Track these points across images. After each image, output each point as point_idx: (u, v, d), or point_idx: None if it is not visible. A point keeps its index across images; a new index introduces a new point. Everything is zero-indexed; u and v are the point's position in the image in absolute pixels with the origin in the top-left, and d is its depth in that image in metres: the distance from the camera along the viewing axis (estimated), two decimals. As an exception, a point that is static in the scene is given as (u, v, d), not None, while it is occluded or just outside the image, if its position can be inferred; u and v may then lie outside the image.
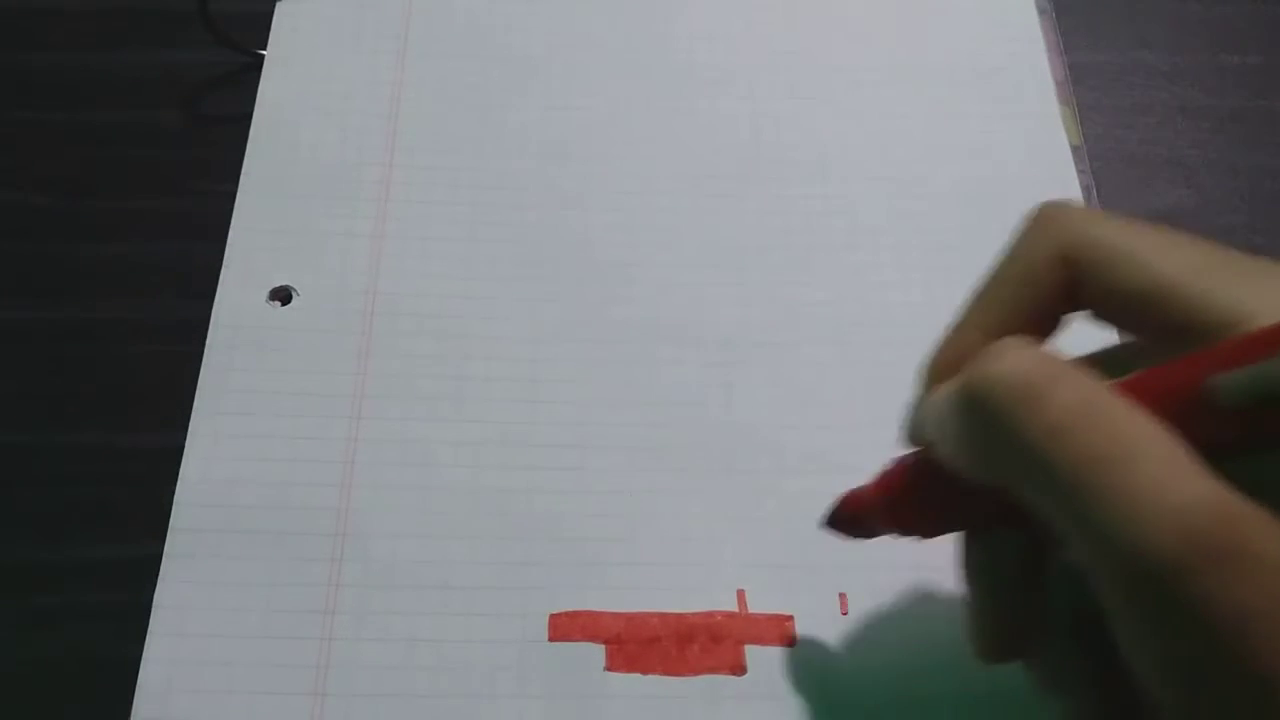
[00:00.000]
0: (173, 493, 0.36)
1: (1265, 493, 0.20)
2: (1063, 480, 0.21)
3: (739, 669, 0.33)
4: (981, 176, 0.44)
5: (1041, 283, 0.25)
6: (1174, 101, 0.47)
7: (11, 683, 0.34)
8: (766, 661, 0.34)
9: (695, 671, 0.33)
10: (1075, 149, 0.44)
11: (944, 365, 0.27)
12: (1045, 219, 0.26)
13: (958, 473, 0.24)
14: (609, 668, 0.33)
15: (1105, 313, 0.25)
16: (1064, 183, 0.43)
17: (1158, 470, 0.20)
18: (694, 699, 0.33)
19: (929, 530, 0.28)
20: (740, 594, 0.35)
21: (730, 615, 0.34)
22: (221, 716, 0.32)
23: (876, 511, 0.29)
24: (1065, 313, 0.26)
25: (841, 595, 0.35)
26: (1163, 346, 0.23)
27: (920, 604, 0.33)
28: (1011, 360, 0.22)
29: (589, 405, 0.38)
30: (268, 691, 0.32)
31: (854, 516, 0.31)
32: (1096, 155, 0.45)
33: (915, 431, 0.28)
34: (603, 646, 0.34)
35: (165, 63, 0.46)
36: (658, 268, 0.41)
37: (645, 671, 0.33)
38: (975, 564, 0.27)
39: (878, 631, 0.34)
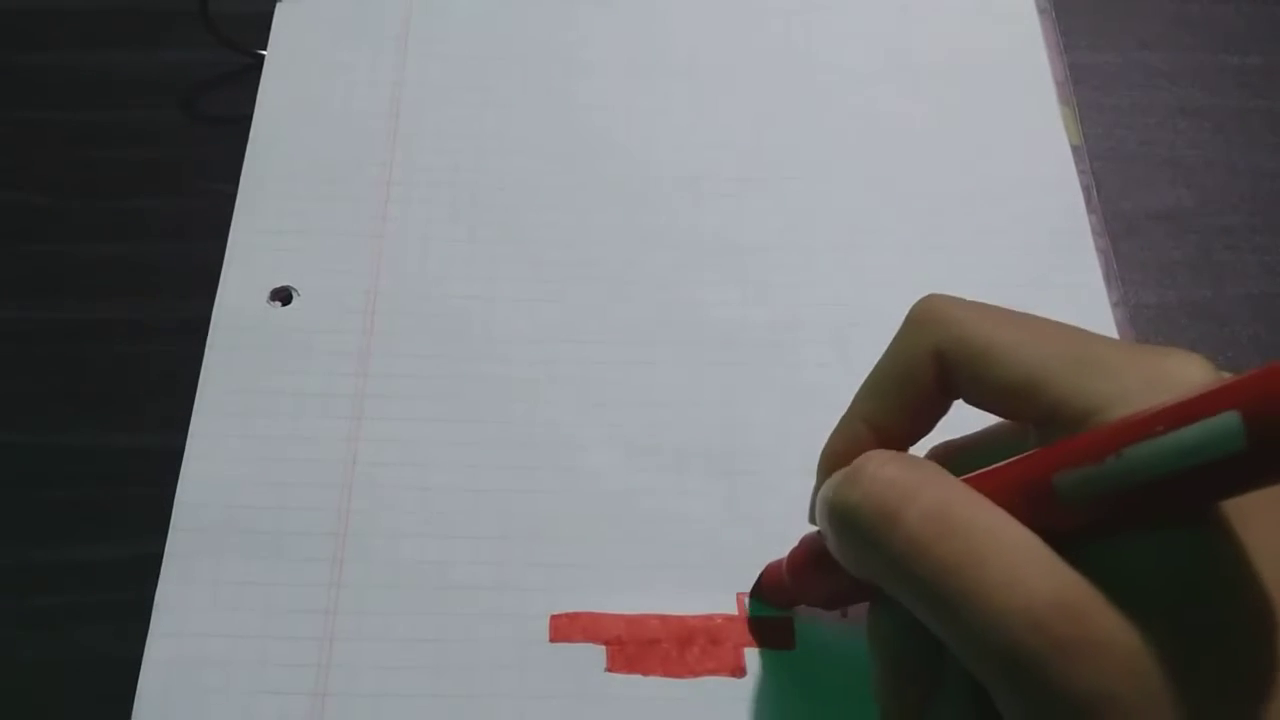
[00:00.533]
0: (173, 493, 0.36)
1: (1122, 577, 0.21)
2: (924, 588, 0.23)
3: (739, 671, 0.33)
4: (982, 176, 0.44)
5: (918, 379, 0.27)
6: (1174, 101, 0.47)
7: (11, 683, 0.34)
8: (766, 664, 0.34)
9: (695, 673, 0.33)
10: (1075, 149, 0.44)
11: (834, 457, 0.28)
12: (920, 317, 0.27)
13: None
14: (609, 669, 0.33)
15: (979, 404, 0.26)
16: (1064, 183, 0.43)
17: (1007, 569, 0.22)
18: (694, 701, 0.33)
19: (832, 603, 0.32)
20: (740, 596, 0.35)
21: (730, 618, 0.34)
22: (222, 716, 0.32)
23: (785, 586, 0.32)
24: (945, 402, 0.27)
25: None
26: (1038, 432, 0.25)
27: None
28: (868, 482, 0.24)
29: (589, 405, 0.38)
30: (268, 691, 0.33)
31: (771, 589, 0.33)
32: (1096, 155, 0.45)
33: (812, 517, 0.30)
34: (603, 648, 0.34)
35: (165, 63, 0.46)
36: (658, 268, 0.41)
37: (645, 673, 0.33)
38: (876, 636, 0.28)
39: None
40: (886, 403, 0.28)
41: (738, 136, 0.44)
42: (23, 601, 0.35)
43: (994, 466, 0.24)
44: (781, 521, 0.36)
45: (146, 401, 0.38)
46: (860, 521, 0.24)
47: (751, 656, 0.34)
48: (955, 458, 0.27)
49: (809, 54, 0.47)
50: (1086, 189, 0.43)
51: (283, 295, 0.40)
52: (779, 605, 0.34)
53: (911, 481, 0.24)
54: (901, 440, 0.28)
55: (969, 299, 0.27)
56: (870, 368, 0.39)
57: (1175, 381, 0.23)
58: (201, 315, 0.39)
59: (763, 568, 0.34)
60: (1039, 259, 0.42)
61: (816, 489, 0.29)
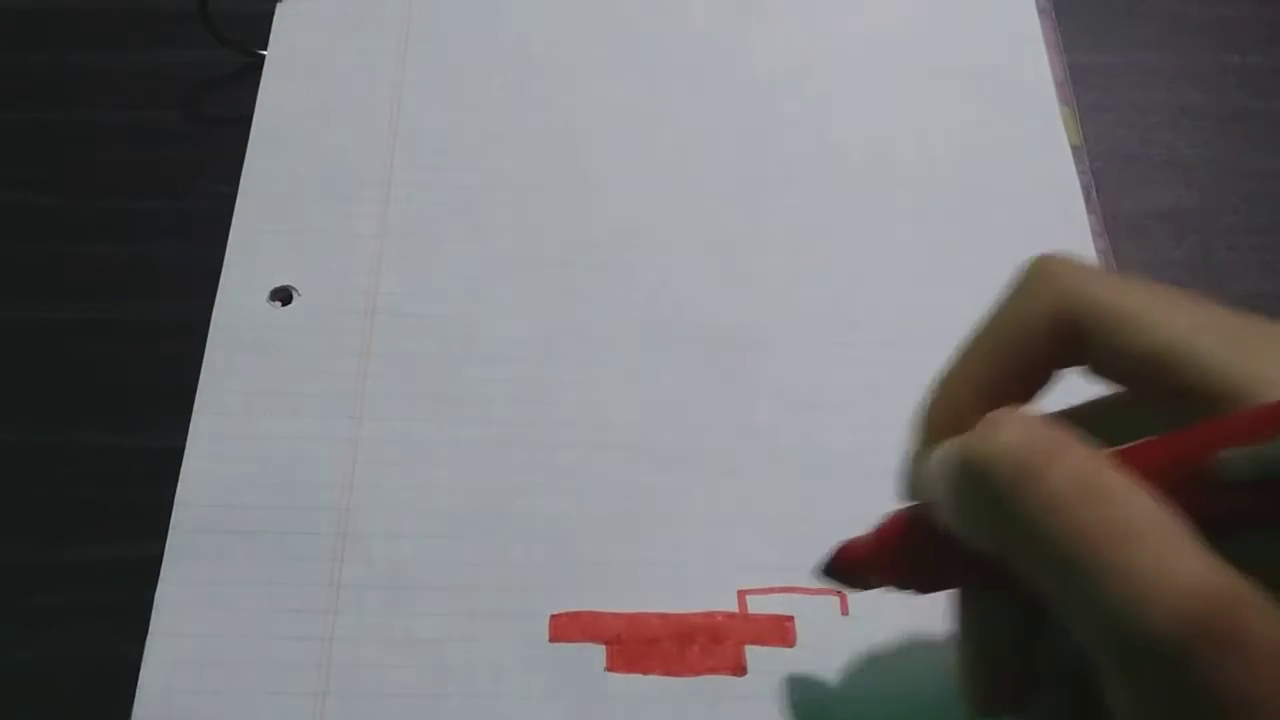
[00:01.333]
0: (173, 493, 0.36)
1: (1265, 570, 0.20)
2: (1060, 557, 0.21)
3: (739, 670, 0.33)
4: (982, 176, 0.44)
5: (1037, 341, 0.25)
6: (1174, 101, 0.47)
7: (11, 683, 0.34)
8: (767, 662, 0.34)
9: (696, 672, 0.33)
10: (1075, 149, 0.44)
11: (937, 422, 0.26)
12: (1041, 274, 0.25)
13: (956, 536, 0.24)
14: (609, 668, 0.33)
15: (1108, 373, 0.25)
16: (1064, 183, 0.43)
17: (1157, 550, 0.20)
18: (694, 699, 0.33)
19: (925, 586, 0.28)
20: (741, 594, 0.35)
21: (731, 616, 0.34)
22: (222, 717, 0.32)
23: (873, 565, 0.29)
24: (1060, 369, 0.26)
25: (842, 596, 0.35)
26: (1164, 408, 0.23)
27: (920, 605, 0.33)
28: (1008, 434, 0.22)
29: (589, 405, 0.38)
30: (269, 691, 0.32)
31: (851, 566, 0.30)
32: (1096, 155, 0.45)
33: (913, 489, 0.28)
34: (603, 647, 0.34)
35: (165, 63, 0.46)
36: (658, 268, 0.41)
37: (646, 672, 0.33)
38: (968, 622, 0.27)
39: (878, 633, 0.34)
40: (994, 367, 0.26)
41: (738, 136, 0.44)
42: (23, 601, 0.35)
43: (1139, 442, 0.22)
44: (782, 520, 0.36)
45: (146, 401, 0.38)
46: (996, 476, 0.22)
47: (753, 655, 0.34)
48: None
49: (810, 53, 0.47)
50: (1086, 189, 0.43)
51: (283, 295, 0.40)
52: (853, 586, 0.31)
53: (1057, 442, 0.22)
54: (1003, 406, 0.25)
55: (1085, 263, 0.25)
56: (871, 368, 0.39)
57: None
58: (201, 315, 0.39)
59: (831, 549, 0.31)
60: (1039, 259, 0.42)
61: (912, 457, 0.27)
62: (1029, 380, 0.26)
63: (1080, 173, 0.44)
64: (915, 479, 0.27)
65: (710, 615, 0.34)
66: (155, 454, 0.37)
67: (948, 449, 0.24)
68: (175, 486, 0.36)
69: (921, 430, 0.27)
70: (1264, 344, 0.22)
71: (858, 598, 0.34)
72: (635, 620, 0.34)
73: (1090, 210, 0.43)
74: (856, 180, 0.43)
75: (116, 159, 0.44)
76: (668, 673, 0.33)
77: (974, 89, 0.46)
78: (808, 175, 0.43)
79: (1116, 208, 0.44)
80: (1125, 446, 0.22)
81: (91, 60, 0.46)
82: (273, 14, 0.46)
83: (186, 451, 0.36)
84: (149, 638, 0.33)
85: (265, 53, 0.45)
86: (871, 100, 0.45)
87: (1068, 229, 0.42)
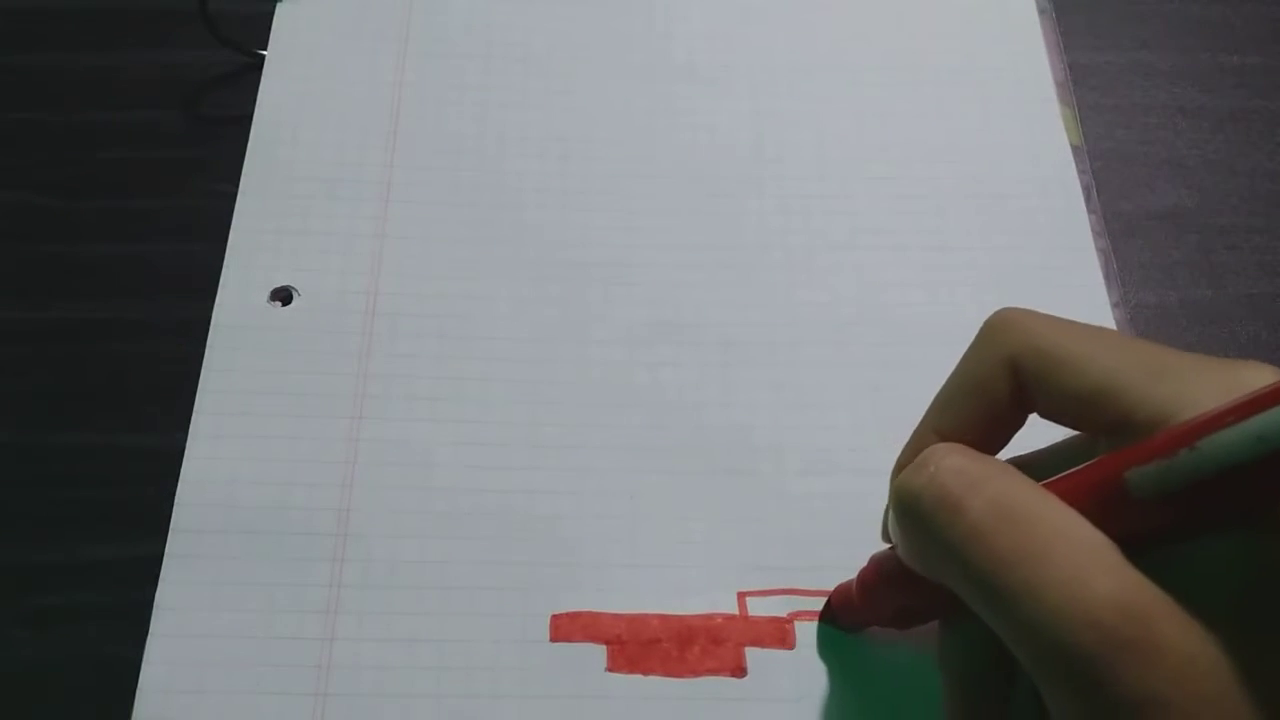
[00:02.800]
0: (173, 493, 0.36)
1: (1187, 580, 0.21)
2: (984, 581, 0.22)
3: (739, 671, 0.33)
4: (981, 176, 0.44)
5: (992, 390, 0.27)
6: (1174, 101, 0.47)
7: (12, 683, 0.34)
8: (767, 664, 0.34)
9: (695, 673, 0.33)
10: (1075, 149, 0.44)
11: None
12: (994, 328, 0.27)
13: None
14: (610, 668, 0.33)
15: (1052, 414, 0.27)
16: (1064, 183, 0.43)
17: (1071, 565, 0.22)
18: (694, 700, 0.33)
19: (902, 622, 0.31)
20: (741, 596, 0.35)
21: (730, 617, 0.34)
22: (222, 717, 0.32)
23: (855, 607, 0.31)
24: (1020, 415, 0.27)
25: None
26: (1107, 442, 0.25)
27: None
28: (932, 469, 0.24)
29: (589, 406, 0.38)
30: (269, 692, 0.32)
31: (841, 608, 0.33)
32: (1096, 155, 0.45)
33: (885, 530, 0.30)
34: (604, 647, 0.34)
35: (165, 63, 0.46)
36: (658, 268, 0.41)
37: (646, 673, 0.33)
38: (949, 652, 0.28)
39: (878, 635, 0.34)
40: (960, 415, 0.28)
41: (737, 136, 0.44)
42: (23, 601, 0.35)
43: (1066, 472, 0.24)
44: (782, 520, 0.36)
45: (146, 401, 0.38)
46: (923, 508, 0.24)
47: (752, 656, 0.34)
48: (1026, 473, 0.26)
49: (809, 54, 0.47)
50: (1086, 189, 0.43)
51: (283, 295, 0.40)
52: (848, 626, 0.34)
53: (978, 472, 0.24)
54: None
55: (1042, 311, 0.27)
56: (870, 368, 0.39)
57: (1248, 389, 0.22)
58: (201, 315, 0.39)
59: (840, 578, 0.33)
60: (1039, 259, 0.42)
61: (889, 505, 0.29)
62: (993, 428, 0.28)
63: (1080, 173, 0.44)
64: (886, 523, 0.29)
65: (710, 617, 0.34)
66: (155, 454, 0.37)
67: (891, 487, 0.26)
68: (175, 486, 0.36)
69: (893, 478, 0.29)
70: (1182, 374, 0.24)
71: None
72: (635, 621, 0.34)
73: (1090, 210, 0.43)
74: (856, 180, 0.43)
75: (116, 159, 0.44)
76: (668, 674, 0.33)
77: (974, 89, 0.46)
78: (807, 175, 0.43)
79: (1116, 208, 0.44)
80: (1056, 477, 0.24)
81: (91, 60, 0.46)
82: (273, 14, 0.46)
83: (186, 451, 0.36)
84: (149, 638, 0.33)
85: (265, 53, 0.45)
86: (871, 100, 0.45)
87: (1068, 229, 0.42)
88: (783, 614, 0.34)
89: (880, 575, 0.30)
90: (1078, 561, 0.21)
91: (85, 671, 0.34)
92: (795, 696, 0.33)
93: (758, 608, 0.34)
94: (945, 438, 0.27)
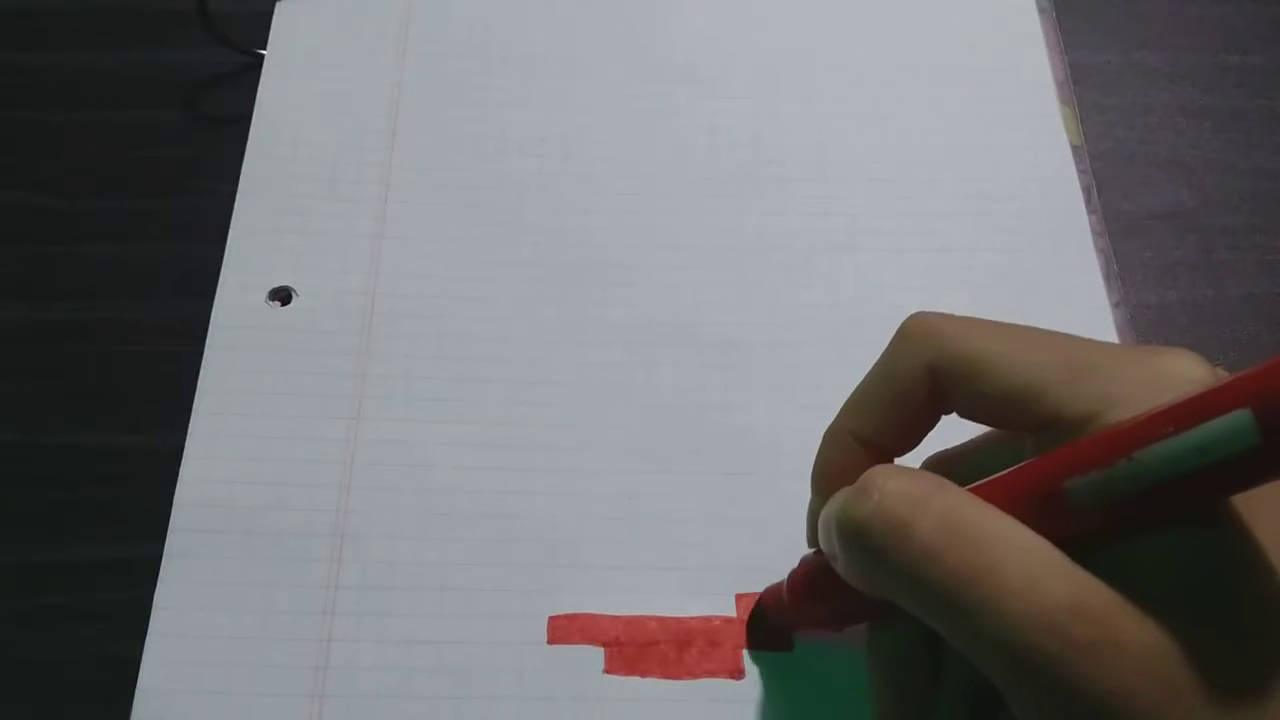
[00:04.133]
0: (172, 493, 0.36)
1: (1133, 573, 0.22)
2: (940, 600, 0.23)
3: (737, 673, 0.33)
4: (981, 176, 0.44)
5: (909, 395, 0.27)
6: (1174, 101, 0.47)
7: (11, 683, 0.34)
8: (764, 666, 0.34)
9: (693, 675, 0.33)
10: (1075, 149, 0.44)
11: (826, 474, 0.29)
12: (911, 333, 0.27)
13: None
14: (607, 670, 0.33)
15: (973, 416, 0.27)
16: (1064, 183, 0.43)
17: (1022, 574, 0.22)
18: (692, 702, 0.33)
19: (834, 624, 0.31)
20: (739, 598, 0.35)
21: (729, 619, 0.34)
22: (220, 717, 0.32)
23: (786, 610, 0.31)
24: (937, 415, 0.27)
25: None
26: (1036, 440, 0.25)
27: None
28: (877, 497, 0.24)
29: (588, 407, 0.38)
30: (267, 693, 0.33)
31: (773, 613, 0.33)
32: (1096, 155, 0.45)
33: (812, 537, 0.30)
34: (601, 649, 0.34)
35: (165, 63, 0.46)
36: (658, 268, 0.41)
37: (644, 674, 0.33)
38: (876, 649, 0.28)
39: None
40: (876, 418, 0.28)
41: (737, 136, 0.44)
42: (23, 601, 0.35)
43: (999, 475, 0.24)
44: (781, 522, 0.36)
45: (146, 401, 0.38)
46: (871, 536, 0.24)
47: (750, 658, 0.34)
48: (948, 469, 0.27)
49: (809, 54, 0.47)
50: (1086, 189, 0.43)
51: (282, 295, 0.40)
52: (779, 631, 0.34)
53: (921, 493, 0.24)
54: (890, 454, 0.28)
55: (959, 314, 0.27)
56: (871, 366, 0.39)
57: (1173, 380, 0.23)
58: (201, 315, 0.39)
59: (760, 592, 0.34)
60: (1039, 259, 0.42)
61: (812, 508, 0.30)
62: (908, 428, 0.28)
63: (1080, 173, 0.44)
64: (812, 529, 0.29)
65: (708, 619, 0.34)
66: (155, 454, 0.37)
67: (829, 510, 0.26)
68: (175, 486, 0.36)
69: (813, 484, 0.29)
70: (1107, 370, 0.24)
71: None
72: (633, 623, 0.34)
73: (1090, 210, 0.43)
74: (856, 180, 0.43)
75: (116, 159, 0.44)
76: (665, 675, 0.33)
77: (974, 89, 0.46)
78: (807, 175, 0.43)
79: (1116, 208, 0.44)
80: (986, 481, 0.24)
81: (91, 60, 0.46)
82: (272, 14, 0.46)
83: (186, 451, 0.36)
84: (148, 638, 0.33)
85: (265, 53, 0.45)
86: (871, 100, 0.45)
87: (1068, 229, 0.42)
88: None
89: (811, 580, 0.30)
90: (1030, 571, 0.22)
91: (84, 671, 0.34)
92: (793, 698, 0.33)
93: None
94: (861, 440, 0.28)
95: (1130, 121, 0.47)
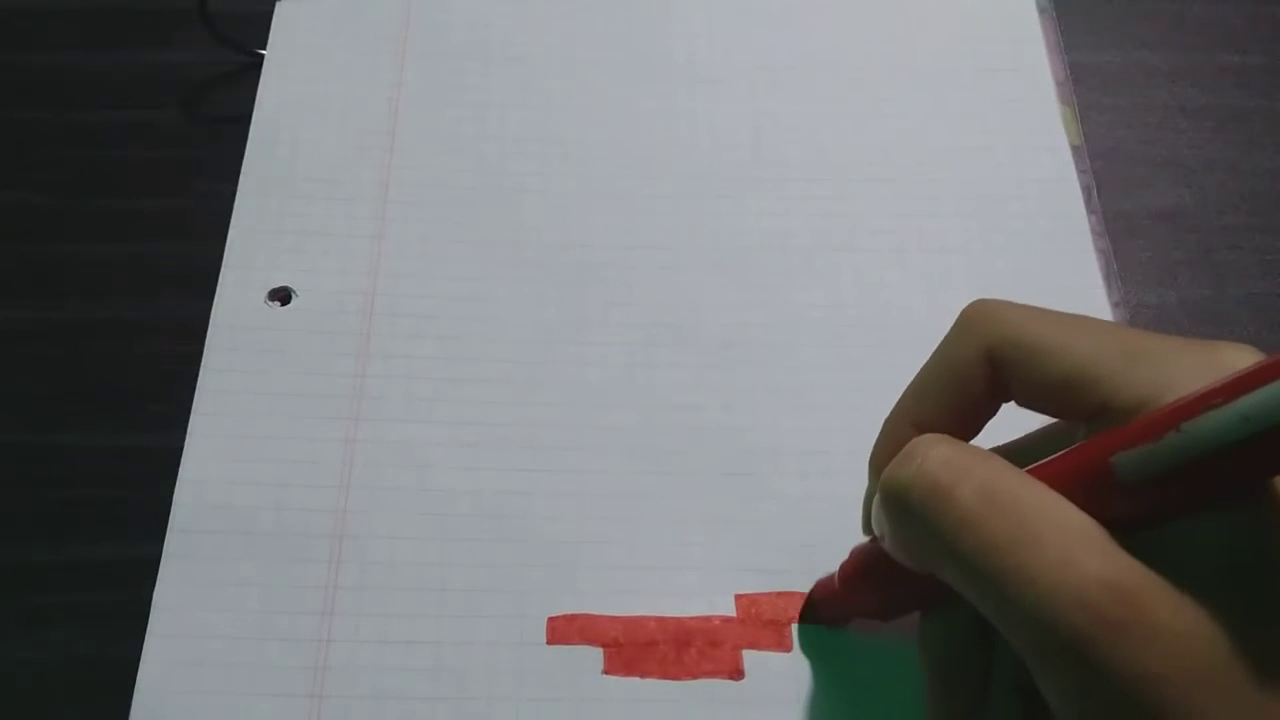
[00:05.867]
0: (172, 493, 0.36)
1: (1174, 559, 0.21)
2: (974, 567, 0.23)
3: (737, 674, 0.33)
4: (981, 176, 0.43)
5: (969, 381, 0.27)
6: (1174, 101, 0.47)
7: (11, 683, 0.34)
8: (764, 666, 0.34)
9: (693, 675, 0.33)
10: (1075, 149, 0.44)
11: (882, 460, 0.28)
12: (970, 319, 0.27)
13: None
14: (607, 671, 0.33)
15: (1031, 402, 0.27)
16: (1064, 183, 0.43)
17: (1060, 549, 0.22)
18: (692, 703, 0.33)
19: (885, 613, 0.31)
20: (738, 598, 0.35)
21: (728, 619, 0.34)
22: (219, 718, 0.32)
23: (838, 599, 0.32)
24: (995, 403, 0.28)
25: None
26: (1088, 428, 0.25)
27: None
28: (920, 460, 0.24)
29: (587, 407, 0.38)
30: (266, 693, 0.33)
31: (823, 602, 0.33)
32: (1096, 155, 0.45)
33: (866, 524, 0.30)
34: (600, 650, 0.34)
35: (165, 63, 0.46)
36: (657, 269, 0.41)
37: (643, 675, 0.33)
38: (926, 642, 0.28)
39: (876, 637, 0.34)
40: (936, 405, 0.28)
41: (737, 136, 0.44)
42: (21, 601, 0.35)
43: (1049, 458, 0.24)
44: (781, 522, 0.36)
45: (146, 401, 0.38)
46: (912, 499, 0.24)
47: (750, 659, 0.34)
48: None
49: (809, 54, 0.47)
50: (1086, 189, 0.43)
51: (282, 295, 0.40)
52: (831, 621, 0.34)
53: (964, 461, 0.24)
54: None
55: (1017, 301, 0.27)
56: (869, 370, 0.39)
57: (1228, 369, 0.23)
58: (201, 315, 0.39)
59: (812, 584, 0.34)
60: (1039, 259, 0.42)
61: (868, 496, 0.30)
62: (968, 417, 0.28)
63: (1080, 173, 0.44)
64: (867, 515, 0.29)
65: (707, 619, 0.34)
66: (154, 454, 0.37)
67: (879, 479, 0.26)
68: (174, 486, 0.36)
69: (873, 470, 0.30)
70: (1162, 357, 0.24)
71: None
72: (632, 623, 0.34)
73: (1090, 210, 0.43)
74: (856, 180, 0.43)
75: (116, 159, 0.44)
76: (665, 676, 0.33)
77: (974, 89, 0.46)
78: (807, 175, 0.43)
79: (1116, 208, 0.44)
80: (1040, 463, 0.24)
81: (91, 60, 0.46)
82: (272, 14, 0.46)
83: (185, 452, 0.36)
84: (147, 638, 0.33)
85: (265, 52, 0.45)
86: (871, 100, 0.45)
87: (1068, 229, 0.42)
88: (780, 617, 0.34)
89: (862, 568, 0.30)
90: (1067, 544, 0.22)
91: (83, 671, 0.34)
92: (793, 699, 0.33)
93: (755, 610, 0.34)
94: (921, 428, 0.28)
95: (1130, 121, 0.47)
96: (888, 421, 0.29)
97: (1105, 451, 0.23)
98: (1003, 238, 0.42)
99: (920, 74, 0.46)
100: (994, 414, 0.28)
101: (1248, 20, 0.49)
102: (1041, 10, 0.48)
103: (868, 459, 0.30)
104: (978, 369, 0.27)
